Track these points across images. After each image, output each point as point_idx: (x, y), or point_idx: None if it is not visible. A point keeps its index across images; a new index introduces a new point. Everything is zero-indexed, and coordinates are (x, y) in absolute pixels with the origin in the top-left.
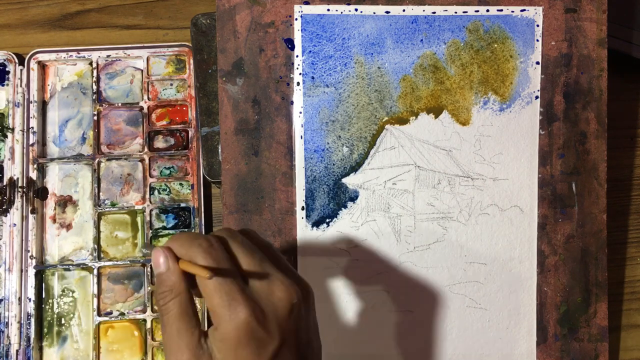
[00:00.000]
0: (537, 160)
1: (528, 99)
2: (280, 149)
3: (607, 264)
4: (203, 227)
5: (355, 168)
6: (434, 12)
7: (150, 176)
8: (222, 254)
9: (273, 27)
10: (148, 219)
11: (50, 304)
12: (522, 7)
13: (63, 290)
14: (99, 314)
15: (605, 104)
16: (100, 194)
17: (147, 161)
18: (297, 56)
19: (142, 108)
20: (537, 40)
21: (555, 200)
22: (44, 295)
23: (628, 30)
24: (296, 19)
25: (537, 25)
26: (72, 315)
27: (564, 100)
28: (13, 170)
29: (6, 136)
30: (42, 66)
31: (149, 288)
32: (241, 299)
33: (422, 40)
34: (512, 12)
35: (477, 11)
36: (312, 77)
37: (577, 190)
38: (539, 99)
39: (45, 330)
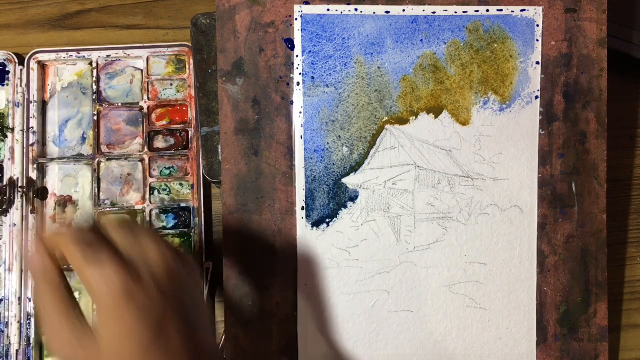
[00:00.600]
0: (537, 160)
1: (528, 99)
2: (280, 149)
3: (607, 264)
4: (203, 227)
5: (355, 168)
6: (434, 12)
7: (150, 176)
8: (88, 230)
9: (273, 27)
10: (148, 219)
11: None
12: (522, 7)
13: None
14: None
15: (605, 104)
16: (100, 194)
17: (147, 161)
18: (297, 56)
19: (142, 108)
20: (537, 40)
21: (555, 200)
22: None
23: (628, 30)
24: (296, 19)
25: (537, 25)
26: None
27: (564, 100)
28: (13, 170)
29: (6, 136)
30: (42, 66)
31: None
32: (112, 261)
33: (422, 40)
34: (512, 12)
35: (477, 11)
36: (312, 77)
37: (577, 190)
38: (539, 99)
39: None
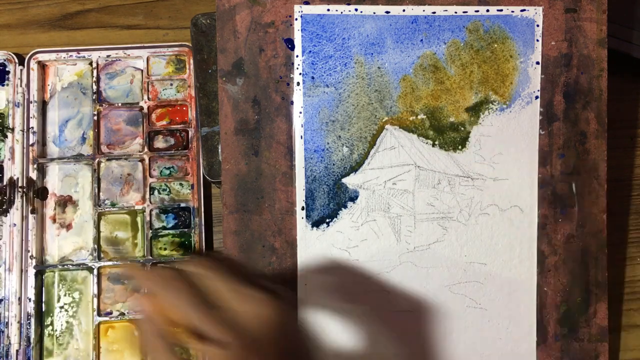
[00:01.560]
0: (537, 160)
1: (528, 99)
2: (280, 149)
3: (607, 264)
4: (203, 227)
5: (355, 168)
6: (434, 12)
7: (150, 176)
8: (196, 296)
9: (273, 27)
10: (148, 219)
11: (50, 304)
12: (522, 7)
13: (63, 290)
14: (99, 314)
15: (605, 104)
16: (100, 194)
17: (147, 161)
18: (297, 56)
19: (142, 108)
20: (537, 40)
21: (555, 200)
22: (44, 295)
23: (628, 30)
24: (296, 19)
25: (537, 25)
26: (72, 315)
27: (564, 100)
28: (13, 170)
29: (6, 136)
30: (42, 66)
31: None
32: (224, 334)
33: (422, 40)
34: (512, 12)
35: (477, 11)
36: (312, 77)
37: (577, 190)
38: (539, 99)
39: (45, 330)
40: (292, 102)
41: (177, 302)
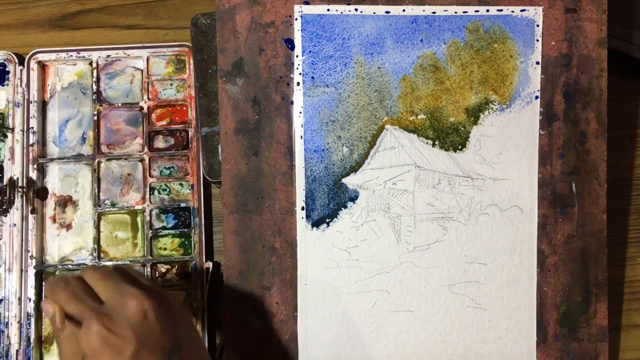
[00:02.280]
0: (537, 160)
1: (528, 99)
2: (280, 149)
3: (607, 263)
4: (203, 226)
5: (355, 168)
6: (434, 12)
7: (150, 176)
8: (77, 287)
9: (273, 27)
10: (148, 219)
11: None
12: (522, 7)
13: None
14: None
15: (605, 104)
16: (100, 194)
17: (147, 161)
18: (297, 56)
19: (142, 108)
20: (537, 40)
21: (555, 200)
22: (44, 296)
23: (628, 30)
24: (296, 19)
25: (537, 25)
26: None
27: (564, 100)
28: (13, 170)
29: (6, 136)
30: (42, 66)
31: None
32: (91, 315)
33: (422, 40)
34: (512, 12)
35: (477, 11)
36: (312, 77)
37: (577, 190)
38: (539, 99)
39: (46, 330)
40: (292, 102)
41: (62, 297)
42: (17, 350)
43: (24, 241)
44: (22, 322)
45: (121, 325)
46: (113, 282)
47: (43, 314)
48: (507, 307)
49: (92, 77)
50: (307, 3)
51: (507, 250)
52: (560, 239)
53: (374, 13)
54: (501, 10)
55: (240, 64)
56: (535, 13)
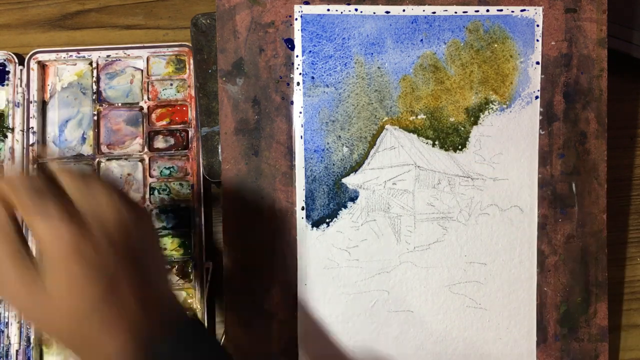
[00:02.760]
0: (537, 160)
1: (528, 99)
2: (280, 149)
3: (607, 263)
4: (203, 227)
5: (355, 168)
6: (434, 12)
7: (150, 176)
8: (40, 179)
9: (273, 27)
10: None
11: None
12: (522, 7)
13: None
14: None
15: (605, 104)
16: None
17: (147, 161)
18: (297, 56)
19: (142, 108)
20: (537, 40)
21: (555, 200)
22: None
23: (628, 30)
24: (296, 19)
25: (537, 25)
26: None
27: (564, 100)
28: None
29: (6, 136)
30: (42, 66)
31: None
32: (63, 218)
33: (422, 40)
34: (512, 12)
35: (477, 11)
36: (312, 77)
37: (577, 190)
38: (539, 99)
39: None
40: (292, 102)
41: (20, 185)
42: (17, 350)
43: None
44: (22, 322)
45: (97, 235)
46: (85, 182)
47: None
48: (507, 307)
49: (92, 77)
50: (307, 3)
51: (507, 250)
52: (560, 239)
53: (374, 13)
54: (501, 10)
55: (240, 64)
56: (535, 13)
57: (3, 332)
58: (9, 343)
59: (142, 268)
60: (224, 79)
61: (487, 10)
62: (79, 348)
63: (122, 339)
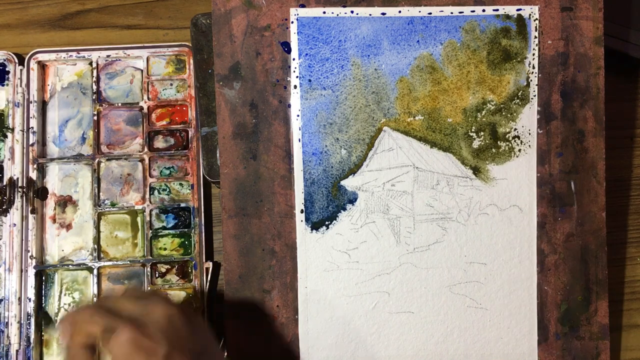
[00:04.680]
0: (536, 159)
1: (525, 98)
2: (278, 152)
3: (607, 262)
4: (203, 226)
5: (353, 170)
6: (430, 13)
7: (150, 176)
8: (99, 307)
9: (269, 30)
10: (148, 219)
11: (50, 304)
12: (518, 7)
13: (63, 291)
14: None
15: (602, 102)
16: (100, 194)
17: (147, 161)
18: (293, 59)
19: (142, 108)
20: (534, 39)
21: (554, 199)
22: (43, 296)
23: (625, 28)
24: (292, 22)
25: (534, 24)
26: None
27: (561, 99)
28: (13, 170)
29: (6, 136)
30: (42, 66)
31: (149, 288)
32: (121, 322)
33: (418, 41)
34: (508, 11)
35: (473, 11)
36: (309, 80)
37: (576, 189)
38: (536, 98)
39: (45, 330)
40: (289, 105)
41: (89, 313)
42: (17, 350)
43: (24, 241)
44: (22, 322)
45: (151, 329)
46: (133, 297)
47: (59, 338)
48: (508, 306)
49: (92, 77)
50: (303, 6)
51: (506, 250)
52: (560, 238)
53: (370, 15)
54: (497, 10)
55: (237, 68)
56: (531, 12)
57: (3, 332)
58: (9, 343)
59: (194, 351)
60: (221, 83)
61: (483, 10)
62: None
63: None
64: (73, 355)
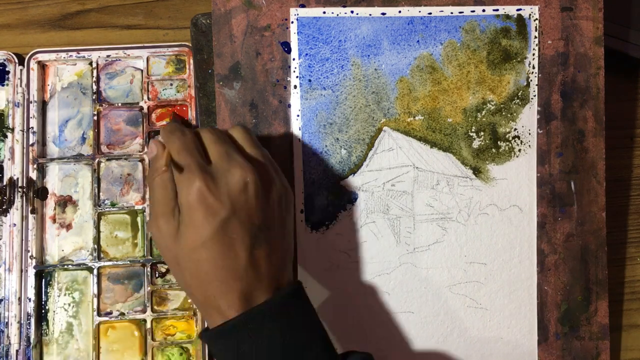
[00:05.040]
0: (536, 159)
1: (525, 98)
2: (278, 152)
3: (607, 262)
4: None
5: (353, 170)
6: (430, 13)
7: None
8: (192, 142)
9: (269, 30)
10: (148, 219)
11: (50, 304)
12: (518, 7)
13: (63, 291)
14: (99, 314)
15: (602, 102)
16: (100, 194)
17: (147, 161)
18: (293, 59)
19: (142, 108)
20: (534, 39)
21: (554, 199)
22: (43, 295)
23: (625, 28)
24: (292, 22)
25: (533, 24)
26: (72, 315)
27: (561, 99)
28: (13, 170)
29: (6, 136)
30: (42, 66)
31: (149, 288)
32: (197, 172)
33: (418, 41)
34: (508, 11)
35: (473, 11)
36: (309, 80)
37: (576, 189)
38: (536, 98)
39: (45, 330)
40: (289, 106)
41: (176, 145)
42: (17, 350)
43: (24, 241)
44: (22, 322)
45: (221, 190)
46: (225, 148)
47: (147, 151)
48: (508, 306)
49: (92, 77)
50: (303, 6)
51: (506, 250)
52: (560, 238)
53: (370, 15)
54: (497, 9)
55: (237, 68)
56: (532, 12)
57: (3, 332)
58: (9, 343)
59: (254, 228)
60: (221, 83)
61: (483, 10)
62: (198, 293)
63: (232, 288)
64: (156, 169)
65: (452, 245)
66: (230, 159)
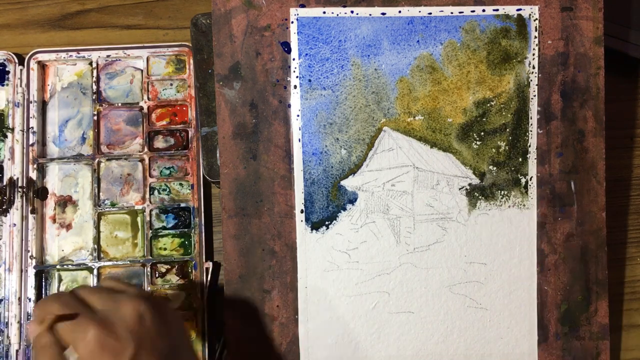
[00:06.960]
0: (536, 159)
1: (525, 98)
2: (278, 152)
3: (607, 262)
4: (203, 226)
5: (353, 170)
6: (430, 13)
7: (150, 176)
8: (71, 297)
9: (269, 30)
10: (148, 219)
11: None
12: (518, 7)
13: (63, 291)
14: None
15: (602, 102)
16: (100, 194)
17: (147, 161)
18: (293, 59)
19: (142, 108)
20: (534, 39)
21: (554, 199)
22: (44, 296)
23: (625, 28)
24: (292, 22)
25: (534, 24)
26: None
27: (561, 99)
28: (13, 170)
29: (6, 136)
30: (42, 66)
31: (149, 288)
32: (88, 320)
33: (418, 41)
34: (508, 11)
35: (473, 11)
36: (309, 80)
37: (576, 189)
38: (536, 98)
39: None
40: (289, 105)
41: (56, 305)
42: (17, 350)
43: (24, 241)
44: (22, 322)
45: (118, 329)
46: (105, 292)
47: (29, 336)
48: (508, 306)
49: (92, 77)
50: (303, 6)
51: (506, 250)
52: (560, 238)
53: (370, 15)
54: (497, 9)
55: (237, 68)
56: (531, 12)
57: (3, 332)
58: (9, 343)
59: (164, 350)
60: (221, 83)
61: (483, 10)
62: None
63: None
64: (42, 346)
65: (452, 245)
66: (115, 297)
